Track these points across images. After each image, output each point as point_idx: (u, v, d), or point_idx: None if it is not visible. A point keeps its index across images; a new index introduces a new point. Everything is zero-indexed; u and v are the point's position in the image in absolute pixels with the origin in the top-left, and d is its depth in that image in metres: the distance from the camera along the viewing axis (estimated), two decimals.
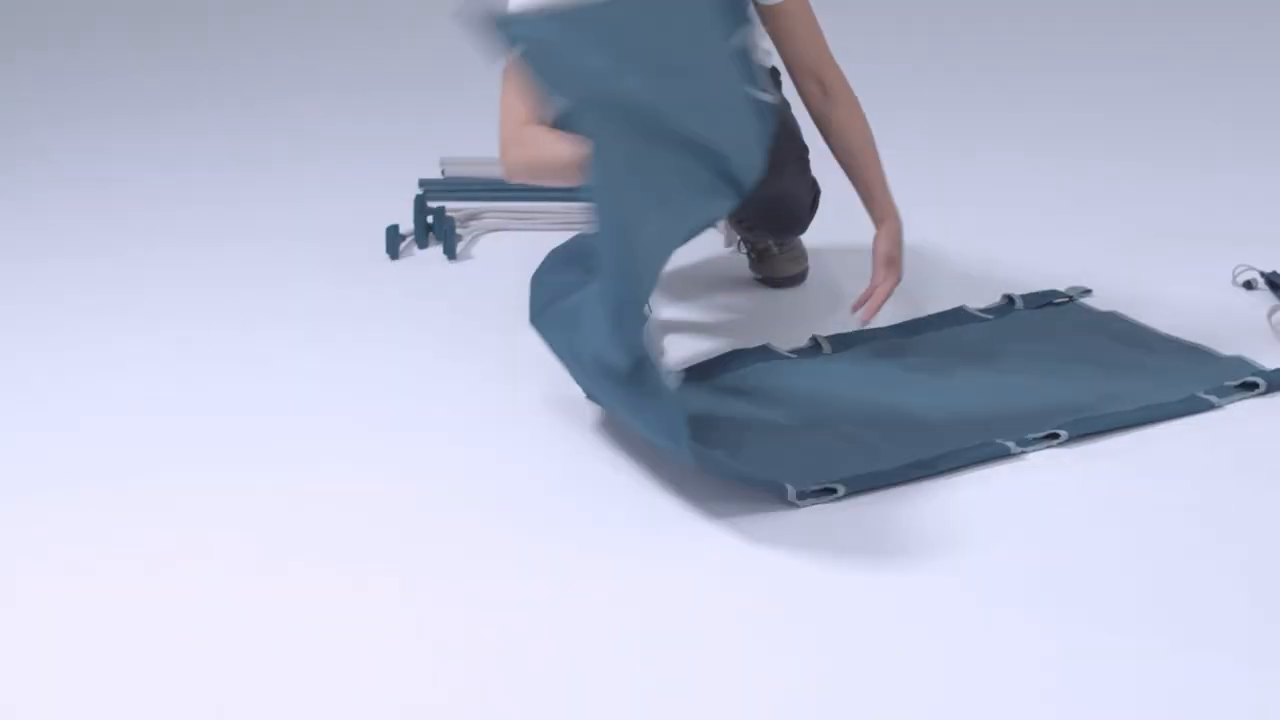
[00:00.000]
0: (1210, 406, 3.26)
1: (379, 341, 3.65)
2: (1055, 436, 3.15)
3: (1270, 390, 3.30)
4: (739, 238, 3.90)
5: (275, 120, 5.14)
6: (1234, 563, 2.80)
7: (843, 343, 3.56)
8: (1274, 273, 3.76)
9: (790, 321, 3.66)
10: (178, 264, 4.09)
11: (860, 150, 3.60)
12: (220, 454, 3.22)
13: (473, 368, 3.52)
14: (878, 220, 3.58)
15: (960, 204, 4.26)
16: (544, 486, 3.09)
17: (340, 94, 5.35)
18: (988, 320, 3.66)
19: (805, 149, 3.71)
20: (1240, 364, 3.40)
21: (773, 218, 3.73)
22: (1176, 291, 3.76)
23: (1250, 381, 3.31)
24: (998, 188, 4.41)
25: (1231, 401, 3.28)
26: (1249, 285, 3.78)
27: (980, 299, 3.72)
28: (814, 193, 3.73)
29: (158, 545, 2.92)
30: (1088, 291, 3.75)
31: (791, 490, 2.97)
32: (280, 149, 4.87)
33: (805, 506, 2.97)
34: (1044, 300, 3.72)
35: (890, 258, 3.55)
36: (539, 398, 3.37)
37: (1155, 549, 2.84)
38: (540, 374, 3.43)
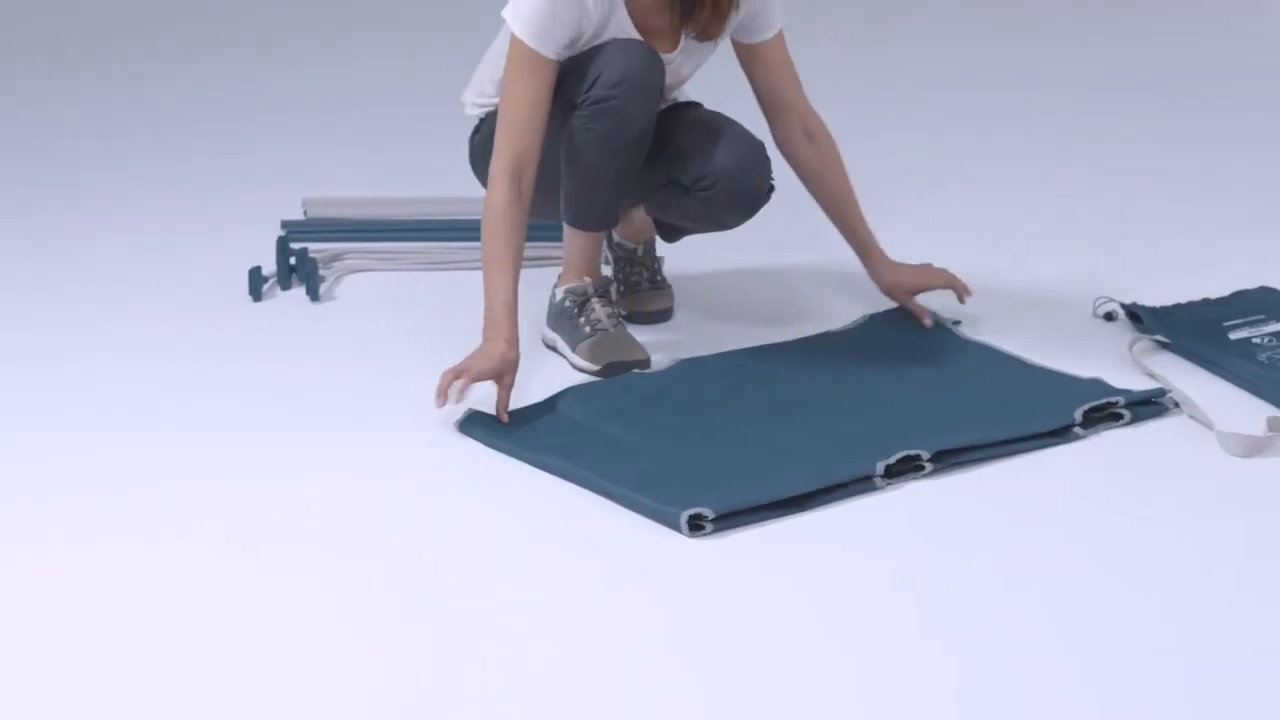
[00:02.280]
0: (1076, 438, 3.30)
1: (242, 383, 3.61)
2: (921, 468, 3.17)
3: (1135, 420, 3.35)
4: (613, 258, 3.90)
5: (133, 159, 5.08)
6: (1101, 588, 2.84)
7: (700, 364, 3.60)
8: (1134, 304, 3.80)
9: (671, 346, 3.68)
10: (37, 304, 4.03)
11: (846, 196, 3.75)
12: (83, 497, 3.17)
13: (338, 410, 3.49)
14: (874, 258, 3.75)
15: (820, 232, 4.29)
16: (423, 518, 3.08)
17: (199, 133, 5.30)
18: (846, 335, 3.72)
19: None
20: (1100, 386, 3.43)
21: (739, 180, 3.59)
22: (1038, 323, 3.80)
23: (1116, 412, 3.35)
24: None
25: (1097, 433, 3.32)
26: (1109, 316, 3.82)
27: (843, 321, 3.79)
28: (771, 179, 3.65)
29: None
30: (957, 323, 3.78)
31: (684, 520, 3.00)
32: (139, 189, 4.81)
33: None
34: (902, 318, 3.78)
35: (911, 276, 3.76)
36: (408, 440, 3.36)
37: (1021, 578, 2.87)
38: (406, 416, 3.43)
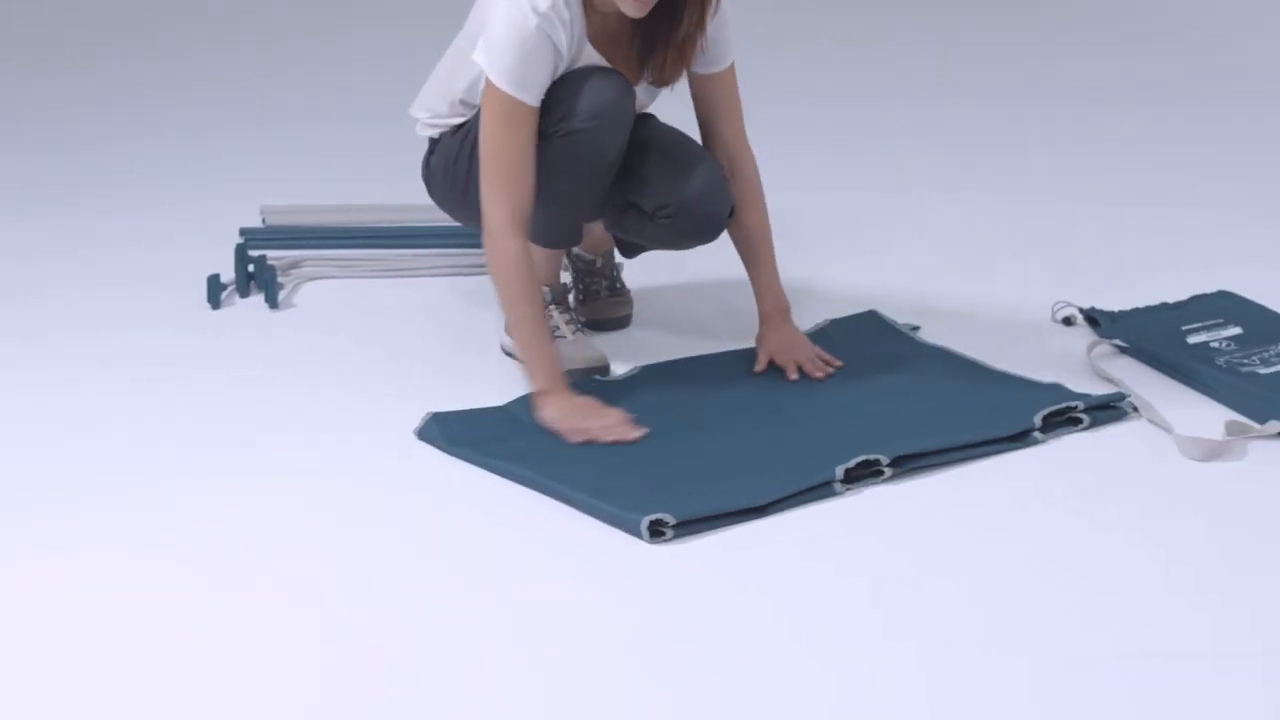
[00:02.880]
0: (1035, 442, 3.31)
1: (200, 391, 3.60)
2: (880, 473, 3.18)
3: (1094, 425, 3.36)
4: (572, 269, 3.90)
5: (90, 167, 5.05)
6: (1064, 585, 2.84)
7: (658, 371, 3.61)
8: (1092, 309, 3.81)
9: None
10: None
11: (760, 241, 3.67)
12: (37, 508, 3.16)
13: (297, 416, 3.48)
14: (764, 313, 3.65)
15: (789, 233, 4.29)
16: (382, 526, 3.07)
17: (156, 141, 5.27)
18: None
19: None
20: (1059, 390, 3.44)
21: (699, 210, 3.57)
22: (997, 328, 3.81)
23: (1075, 417, 3.35)
24: (830, 220, 4.45)
25: (1056, 437, 3.33)
26: (1068, 321, 3.83)
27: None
28: (731, 200, 3.63)
29: None
30: (915, 328, 3.79)
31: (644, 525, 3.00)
32: (96, 197, 4.79)
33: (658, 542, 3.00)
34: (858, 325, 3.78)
35: (781, 349, 3.60)
36: (367, 447, 3.36)
37: (983, 582, 2.88)
38: (365, 423, 3.43)
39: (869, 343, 3.72)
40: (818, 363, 3.59)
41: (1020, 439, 3.31)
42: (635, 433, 3.33)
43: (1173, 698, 2.57)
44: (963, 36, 6.33)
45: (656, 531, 2.99)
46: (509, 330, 3.67)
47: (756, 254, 3.68)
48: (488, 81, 3.42)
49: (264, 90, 5.77)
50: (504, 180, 3.41)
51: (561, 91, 3.47)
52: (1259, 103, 5.49)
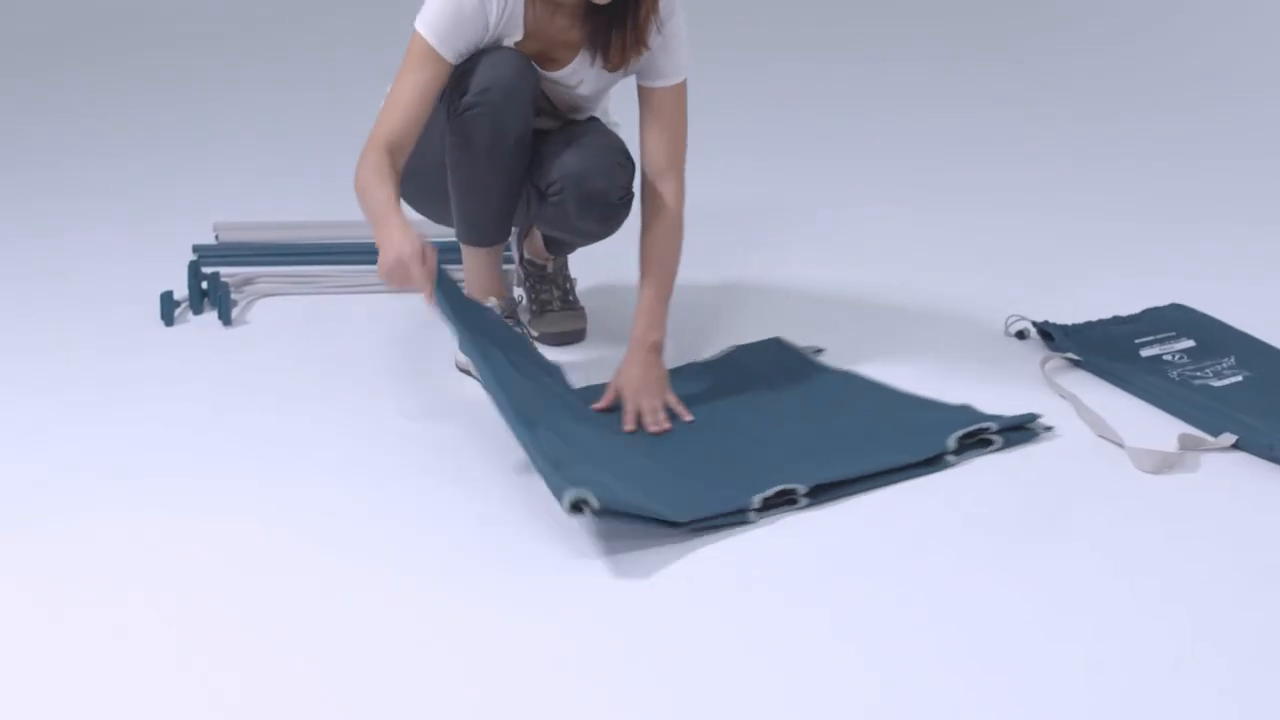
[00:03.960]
0: (948, 465, 3.29)
1: (153, 408, 3.58)
2: (793, 502, 3.15)
3: (1007, 446, 3.35)
4: (523, 275, 3.89)
5: (42, 186, 5.04)
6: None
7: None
8: (1046, 322, 3.82)
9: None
10: None
11: (652, 262, 3.55)
12: None
13: (250, 433, 3.47)
14: (632, 340, 3.54)
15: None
16: (331, 545, 3.06)
17: (109, 159, 5.26)
18: (714, 365, 3.70)
19: (626, 150, 3.64)
20: (970, 413, 3.41)
21: (584, 186, 3.55)
22: (949, 342, 3.82)
23: (987, 438, 3.34)
24: (785, 233, 4.46)
25: (967, 460, 3.31)
26: (1021, 335, 3.84)
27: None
28: (629, 191, 3.59)
29: None
30: (819, 351, 3.77)
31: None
32: (48, 216, 4.77)
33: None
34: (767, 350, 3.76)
35: (630, 388, 3.49)
36: (318, 463, 3.35)
37: (941, 599, 2.88)
38: (318, 439, 3.42)
39: (774, 369, 3.69)
40: (660, 417, 3.45)
41: (934, 463, 3.28)
42: (427, 283, 3.24)
43: (1133, 707, 2.58)
44: (917, 53, 6.36)
45: (576, 507, 2.96)
46: (462, 347, 3.66)
47: (645, 275, 3.56)
48: (414, 33, 3.45)
49: (215, 108, 5.77)
50: (389, 113, 3.42)
51: (458, 74, 3.50)
52: (1210, 116, 5.52)
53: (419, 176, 3.62)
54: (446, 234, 3.86)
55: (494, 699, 2.64)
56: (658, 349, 3.54)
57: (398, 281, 3.24)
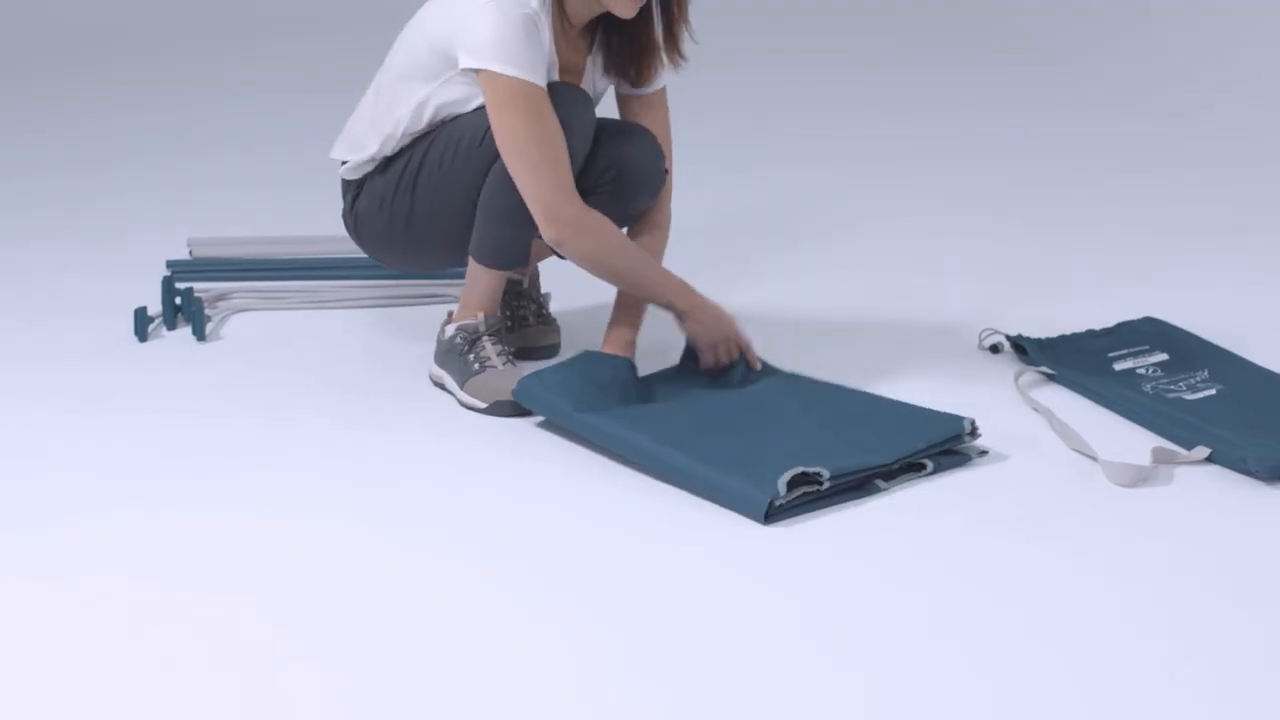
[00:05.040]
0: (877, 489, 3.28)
1: (126, 424, 3.57)
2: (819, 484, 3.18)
3: (938, 470, 3.32)
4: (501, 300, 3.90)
5: (14, 200, 5.03)
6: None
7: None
8: (1019, 336, 3.82)
9: None
10: None
11: (649, 255, 3.65)
12: None
13: (223, 449, 3.46)
14: (618, 322, 3.65)
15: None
16: (308, 557, 3.05)
17: (83, 174, 5.25)
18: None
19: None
20: (953, 420, 3.39)
21: (636, 170, 3.60)
22: (923, 356, 3.82)
23: (919, 463, 3.31)
24: (760, 241, 4.46)
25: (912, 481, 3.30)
26: (995, 349, 3.84)
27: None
28: (666, 171, 3.68)
29: None
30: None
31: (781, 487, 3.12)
32: (21, 230, 4.76)
33: None
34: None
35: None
36: (293, 478, 3.34)
37: (924, 607, 2.89)
38: (292, 454, 3.41)
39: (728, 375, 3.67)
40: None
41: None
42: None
43: (1118, 711, 2.60)
44: (896, 61, 6.37)
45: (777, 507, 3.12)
46: (439, 360, 3.66)
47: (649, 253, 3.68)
48: (490, 78, 3.41)
49: (189, 122, 5.76)
50: (542, 159, 3.41)
51: None
52: (1183, 125, 5.54)
53: (382, 218, 3.61)
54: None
55: (494, 700, 2.64)
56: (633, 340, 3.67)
57: (726, 356, 3.55)
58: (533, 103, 3.41)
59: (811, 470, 3.17)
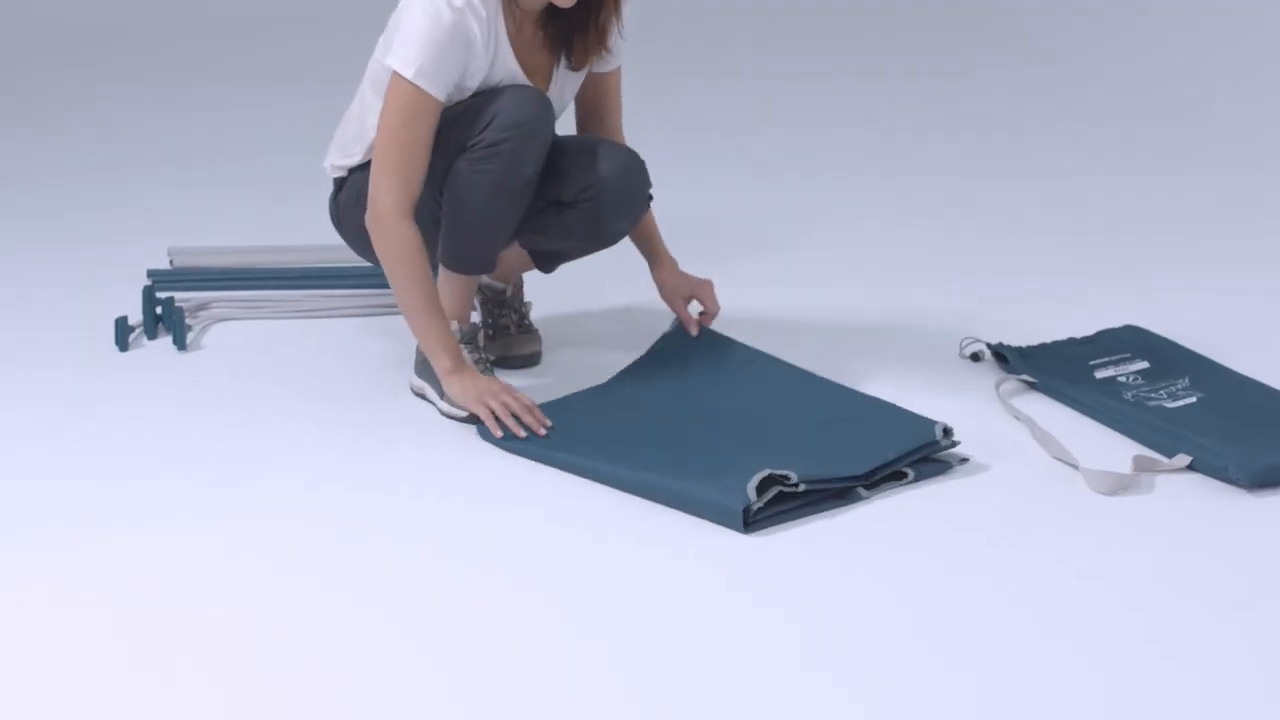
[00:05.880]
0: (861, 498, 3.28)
1: (107, 434, 3.56)
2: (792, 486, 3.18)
3: (919, 479, 3.31)
4: (480, 300, 3.89)
5: None
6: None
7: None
8: (1000, 344, 3.83)
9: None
10: None
11: (648, 222, 3.82)
12: None
13: (204, 459, 3.46)
14: (662, 264, 3.84)
15: (709, 256, 4.29)
16: (288, 569, 3.05)
17: (63, 184, 5.24)
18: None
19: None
20: (925, 424, 3.40)
21: (622, 185, 3.62)
22: (903, 364, 3.82)
23: (901, 471, 3.30)
24: (742, 249, 4.46)
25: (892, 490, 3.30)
26: (976, 357, 3.85)
27: None
28: (649, 181, 3.71)
29: None
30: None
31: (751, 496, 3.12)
32: (1, 240, 4.75)
33: None
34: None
35: (677, 280, 3.81)
36: (274, 489, 3.34)
37: (904, 616, 2.89)
38: (273, 465, 3.41)
39: (709, 354, 3.76)
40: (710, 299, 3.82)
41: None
42: (543, 423, 3.44)
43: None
44: (879, 72, 6.37)
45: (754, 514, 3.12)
46: (418, 370, 3.66)
47: (646, 232, 3.83)
48: (394, 75, 3.44)
49: (170, 132, 5.75)
50: (398, 164, 3.43)
51: (481, 105, 3.50)
52: (1165, 134, 5.55)
53: (359, 212, 3.61)
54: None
55: (480, 711, 2.64)
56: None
57: (514, 405, 3.47)
58: (415, 110, 3.43)
59: (779, 472, 3.17)
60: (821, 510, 3.20)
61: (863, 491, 3.25)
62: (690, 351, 3.78)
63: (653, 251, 3.85)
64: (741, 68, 6.50)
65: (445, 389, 3.51)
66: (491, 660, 2.78)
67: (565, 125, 3.73)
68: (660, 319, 3.90)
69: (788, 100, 6.08)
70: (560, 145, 3.66)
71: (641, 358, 3.78)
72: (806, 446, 3.33)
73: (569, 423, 3.47)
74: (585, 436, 3.43)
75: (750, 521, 3.13)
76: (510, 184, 3.53)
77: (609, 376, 3.75)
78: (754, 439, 3.38)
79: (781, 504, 3.17)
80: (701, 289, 3.84)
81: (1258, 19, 6.09)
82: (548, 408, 3.52)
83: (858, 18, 7.00)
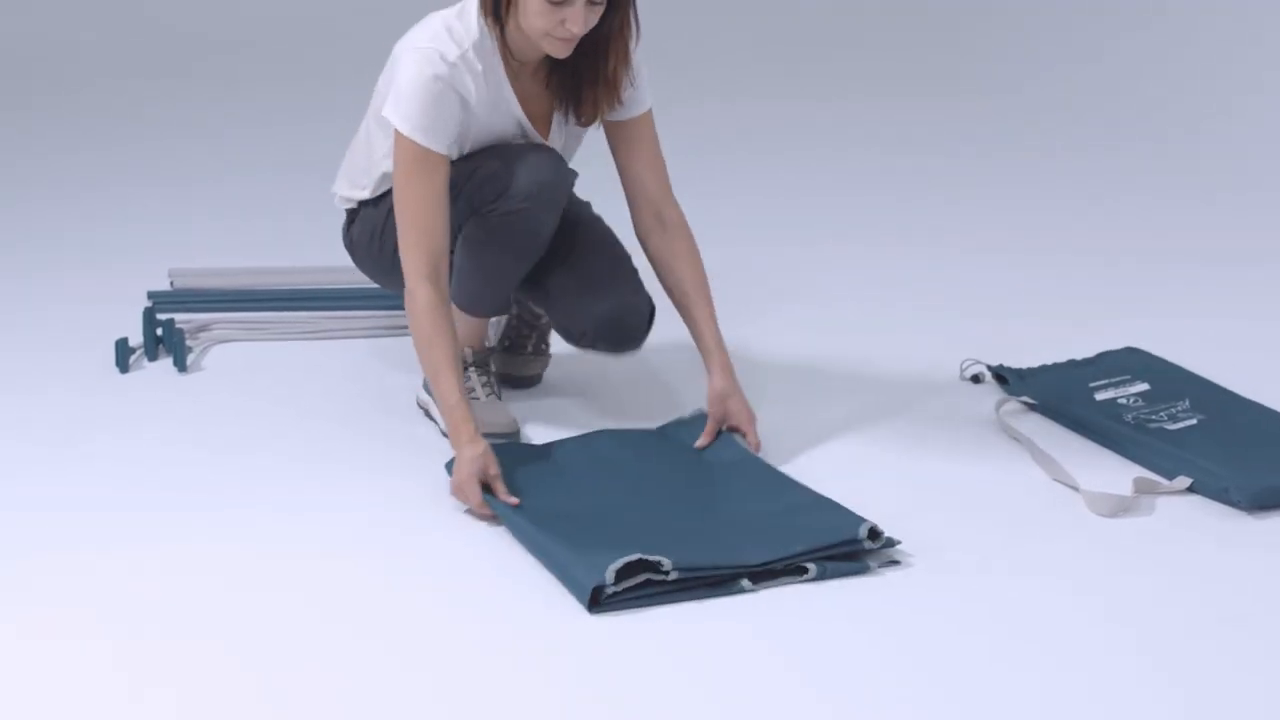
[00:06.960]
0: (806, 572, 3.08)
1: (108, 455, 3.56)
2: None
3: (822, 576, 3.06)
4: (512, 318, 3.87)
5: None
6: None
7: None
8: (1001, 366, 3.83)
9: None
10: None
11: (694, 289, 3.58)
12: None
13: (203, 482, 3.45)
14: (713, 365, 3.54)
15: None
16: (284, 591, 3.05)
17: (64, 205, 5.23)
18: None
19: (630, 259, 3.65)
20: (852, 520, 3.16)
21: (614, 330, 3.60)
22: (905, 387, 3.82)
23: (802, 566, 3.06)
24: (744, 276, 4.45)
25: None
26: (977, 379, 3.85)
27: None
28: (650, 306, 3.63)
29: None
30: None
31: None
32: (2, 261, 4.75)
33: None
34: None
35: (727, 394, 3.52)
36: (272, 512, 3.33)
37: (902, 632, 2.88)
38: (272, 488, 3.42)
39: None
40: (750, 430, 3.52)
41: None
42: (495, 486, 3.29)
43: None
44: (870, 92, 6.37)
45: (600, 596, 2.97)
46: (427, 387, 3.65)
47: (692, 305, 3.58)
48: (396, 132, 3.41)
49: (171, 154, 5.75)
50: (417, 232, 3.39)
51: (497, 168, 3.47)
52: (1165, 156, 5.55)
53: (371, 249, 3.60)
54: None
55: None
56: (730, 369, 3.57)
57: (470, 494, 3.30)
58: (420, 166, 3.39)
59: (651, 558, 3.00)
60: (697, 597, 3.01)
61: (746, 583, 3.03)
62: (686, 437, 3.58)
63: (703, 353, 3.58)
64: (723, 86, 6.49)
65: (457, 452, 3.35)
66: (493, 688, 2.78)
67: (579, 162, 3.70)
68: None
69: (776, 121, 6.07)
70: (563, 244, 3.61)
71: (637, 430, 3.64)
72: (714, 534, 3.19)
73: (521, 476, 3.37)
74: (522, 489, 3.34)
75: (602, 601, 2.97)
76: (525, 247, 3.53)
77: (600, 404, 3.76)
78: (665, 522, 3.24)
79: (651, 587, 3.00)
80: (743, 421, 3.53)
81: (1258, 35, 6.09)
82: (507, 450, 3.44)
83: (845, 44, 7.00)
